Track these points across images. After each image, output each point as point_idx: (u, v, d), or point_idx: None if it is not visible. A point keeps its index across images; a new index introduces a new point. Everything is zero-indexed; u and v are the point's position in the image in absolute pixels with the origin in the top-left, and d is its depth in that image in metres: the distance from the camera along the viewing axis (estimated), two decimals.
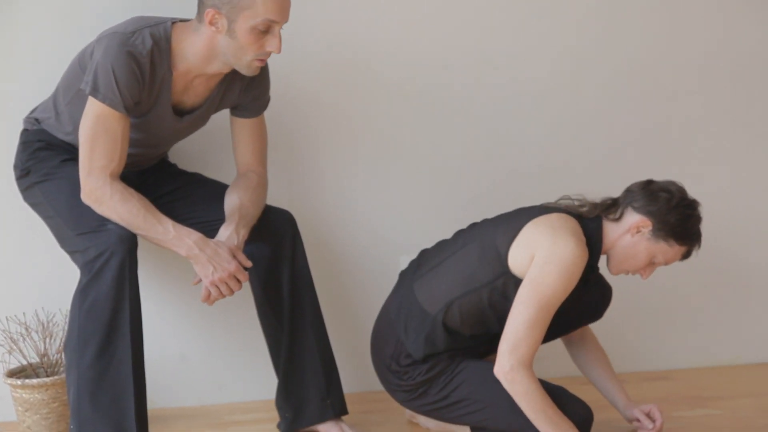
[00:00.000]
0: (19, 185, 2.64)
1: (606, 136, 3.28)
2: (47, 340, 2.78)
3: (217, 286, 2.48)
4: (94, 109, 2.41)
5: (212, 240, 2.49)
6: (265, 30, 2.43)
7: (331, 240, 3.12)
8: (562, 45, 3.22)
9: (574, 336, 2.79)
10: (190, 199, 2.70)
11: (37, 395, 2.70)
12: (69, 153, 2.59)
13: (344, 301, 3.13)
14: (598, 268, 2.59)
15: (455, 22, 3.14)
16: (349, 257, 3.14)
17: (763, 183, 3.41)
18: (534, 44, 3.20)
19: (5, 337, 2.78)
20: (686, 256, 2.57)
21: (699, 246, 2.56)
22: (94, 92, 2.40)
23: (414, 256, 2.77)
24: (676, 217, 2.50)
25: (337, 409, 2.75)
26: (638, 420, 2.71)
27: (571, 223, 2.49)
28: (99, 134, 2.41)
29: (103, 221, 2.42)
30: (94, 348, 2.39)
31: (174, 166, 2.84)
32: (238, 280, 2.49)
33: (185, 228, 2.47)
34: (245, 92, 2.64)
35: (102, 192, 2.42)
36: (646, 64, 3.27)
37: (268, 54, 2.48)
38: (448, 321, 2.54)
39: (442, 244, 2.68)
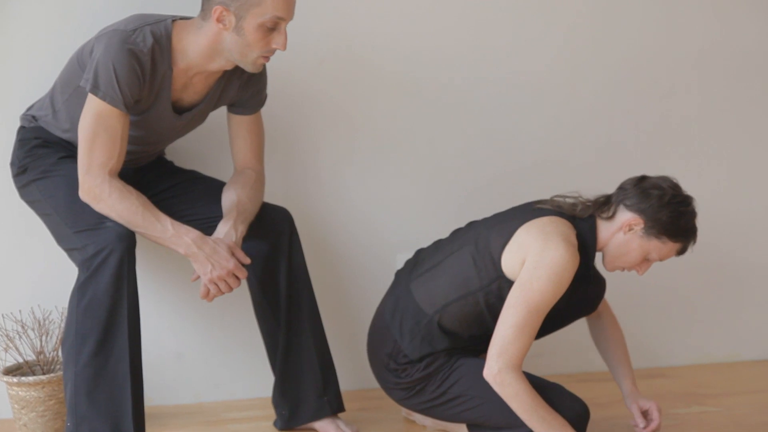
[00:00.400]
0: (16, 183, 2.63)
1: (603, 133, 3.28)
2: (43, 337, 2.78)
3: (216, 284, 2.48)
4: (94, 106, 2.41)
5: (210, 237, 2.49)
6: (273, 27, 2.44)
7: (328, 237, 3.12)
8: (559, 41, 3.22)
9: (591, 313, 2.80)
10: (187, 197, 2.70)
11: (33, 393, 2.69)
12: (66, 150, 2.59)
13: (341, 299, 3.13)
14: (594, 266, 2.59)
15: (453, 17, 3.14)
16: (346, 255, 3.14)
17: (760, 180, 3.41)
18: (531, 40, 3.20)
19: (1, 335, 2.78)
20: (681, 252, 2.57)
21: (694, 241, 2.56)
22: (95, 89, 2.40)
23: (410, 253, 2.77)
24: (667, 214, 2.50)
25: (334, 406, 2.75)
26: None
27: (563, 226, 2.49)
28: (99, 132, 2.41)
29: (102, 219, 2.41)
30: (91, 345, 2.39)
31: (171, 163, 2.84)
32: (237, 277, 2.49)
33: (184, 226, 2.47)
34: (243, 89, 2.64)
35: (100, 189, 2.41)
36: (642, 60, 3.28)
37: (273, 51, 2.48)
38: (445, 323, 2.54)
39: (438, 244, 2.68)
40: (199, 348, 3.05)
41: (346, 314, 3.12)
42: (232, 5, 2.41)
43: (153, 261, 2.93)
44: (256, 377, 3.02)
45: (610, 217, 2.55)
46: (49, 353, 2.78)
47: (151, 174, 2.72)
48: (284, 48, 2.47)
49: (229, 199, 2.62)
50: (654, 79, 3.29)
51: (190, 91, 2.56)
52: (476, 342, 2.56)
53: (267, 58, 2.50)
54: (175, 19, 2.51)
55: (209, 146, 2.96)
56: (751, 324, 3.46)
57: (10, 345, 2.77)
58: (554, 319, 2.58)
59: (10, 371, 2.77)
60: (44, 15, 2.85)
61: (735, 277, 3.42)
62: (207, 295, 2.51)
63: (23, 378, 2.69)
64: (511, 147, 3.22)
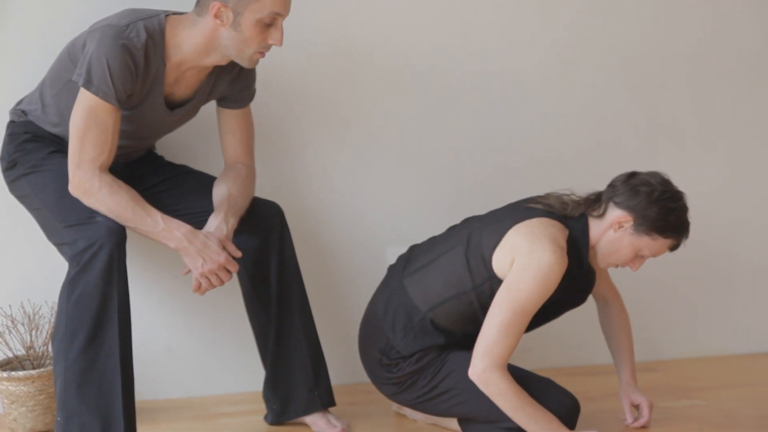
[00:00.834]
0: (6, 177, 2.62)
1: (596, 128, 3.28)
2: (33, 332, 2.77)
3: (208, 278, 2.48)
4: (86, 101, 2.40)
5: (201, 231, 2.49)
6: (270, 23, 2.45)
7: (318, 232, 3.12)
8: (551, 37, 3.22)
9: (597, 297, 2.81)
10: (178, 191, 2.69)
11: (23, 387, 2.69)
12: (56, 145, 2.58)
13: (332, 293, 3.13)
14: (589, 264, 2.59)
15: (444, 12, 3.14)
16: (337, 249, 3.14)
17: (752, 177, 3.43)
18: (524, 36, 3.20)
19: None
20: (674, 247, 2.57)
21: (687, 236, 2.56)
22: (88, 84, 2.39)
23: (401, 247, 2.77)
24: (656, 210, 2.50)
25: (325, 400, 2.75)
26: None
27: (553, 228, 2.49)
28: (90, 126, 2.40)
29: (92, 213, 2.41)
30: (81, 340, 2.38)
31: (161, 157, 2.83)
32: (228, 271, 2.49)
33: (174, 220, 2.47)
34: (234, 83, 2.64)
35: (90, 184, 2.41)
36: (635, 56, 3.28)
37: (270, 47, 2.49)
38: (438, 321, 2.55)
39: (433, 241, 2.68)
40: (190, 342, 3.05)
41: (337, 308, 3.12)
42: (230, 1, 2.41)
43: (143, 256, 2.93)
44: (246, 371, 3.01)
45: (601, 215, 2.55)
46: (39, 348, 2.78)
47: (141, 168, 2.72)
48: (281, 44, 2.48)
49: (219, 193, 2.61)
50: (647, 75, 3.30)
51: (181, 86, 2.56)
52: (470, 340, 2.56)
53: (263, 54, 2.50)
54: (168, 14, 2.50)
55: (199, 140, 2.96)
56: (739, 318, 3.47)
57: (0, 340, 2.77)
58: (544, 312, 2.58)
59: (0, 366, 2.76)
60: (34, 9, 2.84)
61: (724, 272, 3.44)
62: (198, 289, 2.51)
63: (13, 373, 2.68)
64: (503, 142, 3.22)
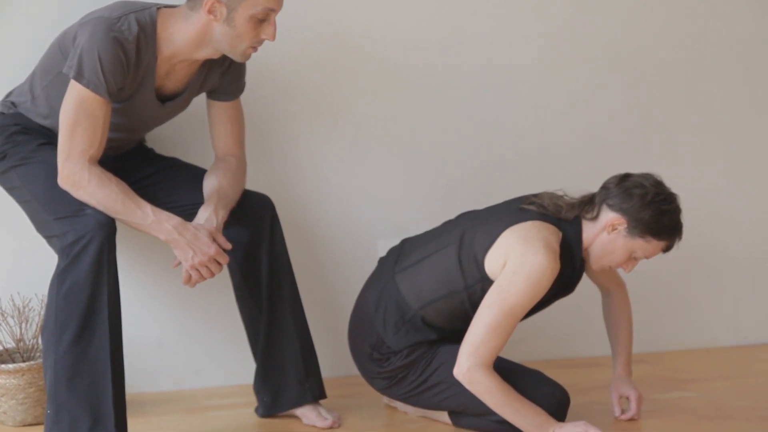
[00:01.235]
0: None
1: (588, 123, 3.29)
2: (23, 325, 2.76)
3: (198, 270, 2.48)
4: (76, 93, 2.39)
5: (192, 224, 2.49)
6: (263, 18, 2.45)
7: (309, 224, 3.12)
8: (544, 32, 3.22)
9: (601, 288, 2.81)
10: (168, 183, 2.69)
11: (13, 380, 2.68)
12: (46, 137, 2.57)
13: (323, 285, 3.13)
14: (583, 261, 2.59)
15: (437, 6, 3.14)
16: (328, 241, 3.14)
17: (742, 175, 3.44)
18: (517, 30, 3.20)
19: None
20: (667, 249, 2.56)
21: (680, 238, 2.56)
22: (78, 77, 2.38)
23: (392, 240, 2.77)
24: (650, 213, 2.49)
25: (316, 393, 2.75)
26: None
27: (546, 231, 2.49)
28: (80, 119, 2.40)
29: (82, 206, 2.40)
30: (71, 333, 2.38)
31: (151, 150, 2.83)
32: (219, 263, 2.49)
33: (164, 212, 2.46)
34: (224, 75, 2.64)
35: (80, 177, 2.40)
36: (628, 51, 3.29)
37: (263, 41, 2.49)
38: (429, 318, 2.56)
39: (426, 237, 2.67)
40: (180, 335, 3.05)
41: (328, 301, 3.13)
42: None
43: (134, 248, 2.92)
44: (237, 364, 3.01)
45: (594, 218, 2.55)
46: (29, 341, 2.77)
47: (131, 161, 2.71)
48: (273, 39, 2.48)
49: (210, 184, 2.61)
50: (640, 70, 3.31)
51: (172, 79, 2.55)
52: (460, 335, 2.56)
53: (256, 49, 2.51)
54: (159, 7, 2.50)
55: (190, 133, 2.96)
56: (728, 311, 3.49)
57: None
58: (534, 307, 2.58)
59: None
60: (24, 1, 2.83)
61: (713, 266, 3.45)
62: (189, 281, 2.50)
63: (3, 365, 2.68)
64: (494, 136, 3.23)
